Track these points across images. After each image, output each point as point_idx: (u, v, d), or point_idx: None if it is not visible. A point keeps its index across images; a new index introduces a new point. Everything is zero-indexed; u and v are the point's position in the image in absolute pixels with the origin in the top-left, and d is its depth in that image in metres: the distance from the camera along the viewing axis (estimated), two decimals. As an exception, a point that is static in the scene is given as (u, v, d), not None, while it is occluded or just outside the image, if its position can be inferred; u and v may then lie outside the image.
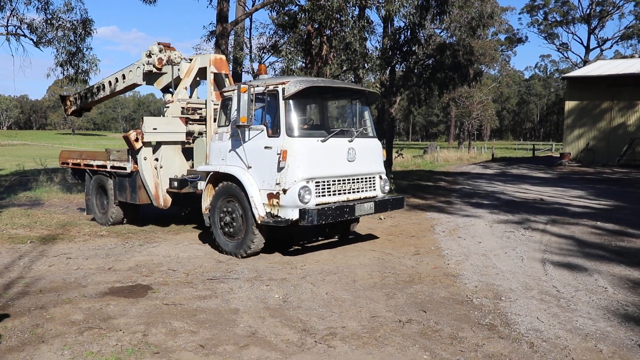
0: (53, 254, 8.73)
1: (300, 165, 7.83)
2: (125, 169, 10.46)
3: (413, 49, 22.71)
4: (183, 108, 10.53)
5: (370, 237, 10.29)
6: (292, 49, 21.14)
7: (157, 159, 10.17)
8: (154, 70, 10.97)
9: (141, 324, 5.56)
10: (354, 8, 16.94)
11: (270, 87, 8.16)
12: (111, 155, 11.18)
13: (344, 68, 19.11)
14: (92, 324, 5.55)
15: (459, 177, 22.95)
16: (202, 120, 10.65)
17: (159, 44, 10.94)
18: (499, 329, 5.52)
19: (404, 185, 18.98)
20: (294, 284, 7.02)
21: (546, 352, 4.95)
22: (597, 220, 11.74)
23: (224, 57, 11.02)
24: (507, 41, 72.62)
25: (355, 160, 8.60)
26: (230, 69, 13.90)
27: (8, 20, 16.47)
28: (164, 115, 10.67)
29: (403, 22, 21.38)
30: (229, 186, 8.54)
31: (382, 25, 24.93)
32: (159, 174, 10.17)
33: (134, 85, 12.24)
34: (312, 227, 9.16)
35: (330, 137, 8.29)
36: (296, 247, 9.32)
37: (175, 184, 9.97)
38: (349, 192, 8.63)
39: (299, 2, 16.94)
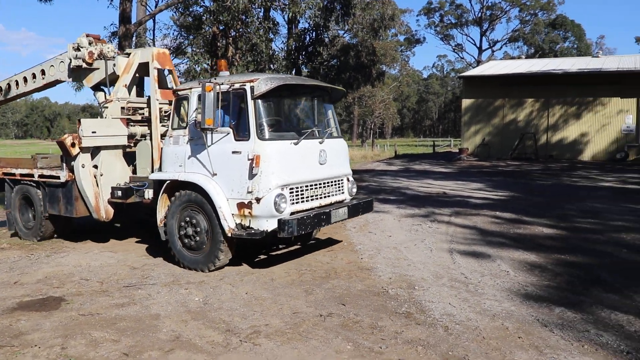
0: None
1: (274, 171, 7.18)
2: (58, 177, 9.29)
3: (318, 50, 23.12)
4: (123, 108, 9.50)
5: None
6: (198, 50, 20.89)
7: (96, 166, 9.13)
8: (84, 65, 9.81)
9: (58, 337, 5.36)
10: (259, 10, 17.04)
11: (237, 86, 7.45)
12: (38, 162, 9.97)
13: (250, 69, 19.16)
14: (1, 342, 5.28)
15: (365, 174, 23.60)
16: (144, 121, 9.69)
17: (87, 35, 9.84)
18: (415, 316, 5.83)
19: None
20: (212, 286, 7.01)
21: (460, 333, 5.31)
22: (496, 210, 12.57)
23: (167, 51, 9.98)
24: (406, 42, 75.66)
25: (327, 162, 8.10)
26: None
27: None
28: (102, 116, 9.60)
29: (308, 23, 21.73)
30: (189, 195, 7.74)
31: (287, 26, 25.18)
32: (99, 182, 9.11)
33: (57, 82, 10.94)
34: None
35: (303, 138, 7.72)
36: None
37: (119, 193, 8.92)
38: (321, 197, 8.08)
39: (204, 3, 16.81)
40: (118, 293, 6.80)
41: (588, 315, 5.79)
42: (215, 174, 7.49)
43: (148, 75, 9.57)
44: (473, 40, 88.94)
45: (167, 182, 8.06)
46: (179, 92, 8.26)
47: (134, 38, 20.63)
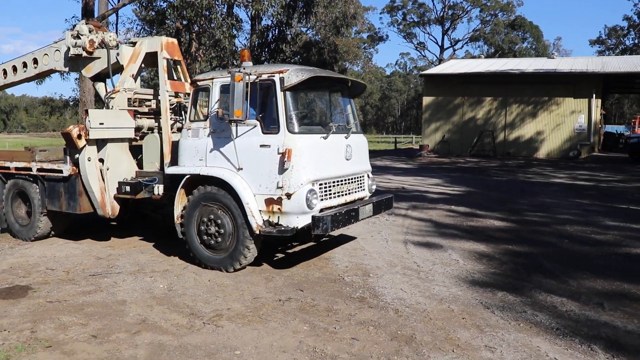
0: None
1: (306, 166, 6.89)
2: (60, 171, 8.72)
3: (281, 46, 23.41)
4: (129, 99, 8.91)
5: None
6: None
7: (102, 160, 8.57)
8: (84, 54, 9.27)
9: (27, 322, 5.56)
10: (223, 6, 17.22)
11: (265, 76, 7.06)
12: (36, 155, 9.31)
13: (214, 65, 19.34)
14: (-31, 326, 5.46)
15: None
16: (151, 113, 9.21)
17: (87, 22, 9.33)
18: (369, 300, 6.24)
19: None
20: (177, 274, 7.27)
21: (409, 315, 5.74)
22: (451, 204, 13.12)
23: (175, 40, 9.29)
24: (369, 39, 76.48)
25: (352, 158, 7.87)
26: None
27: None
28: (108, 107, 9.00)
29: (271, 20, 22.00)
30: (211, 191, 7.37)
31: (250, 23, 25.37)
32: (105, 177, 8.57)
33: (51, 72, 10.52)
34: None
35: (331, 133, 7.42)
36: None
37: (127, 188, 8.40)
38: (346, 194, 7.84)
39: (168, -2, 16.90)
40: (84, 281, 7.01)
41: (527, 298, 6.30)
42: (241, 169, 7.13)
43: (152, 66, 9.26)
44: (435, 38, 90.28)
45: (187, 177, 7.66)
46: (199, 83, 7.83)
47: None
